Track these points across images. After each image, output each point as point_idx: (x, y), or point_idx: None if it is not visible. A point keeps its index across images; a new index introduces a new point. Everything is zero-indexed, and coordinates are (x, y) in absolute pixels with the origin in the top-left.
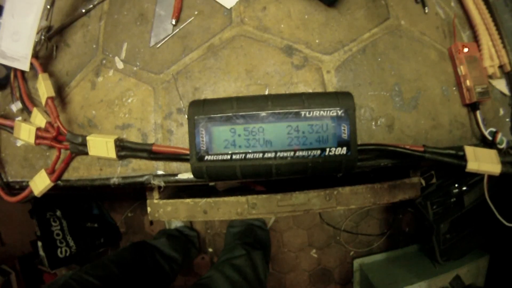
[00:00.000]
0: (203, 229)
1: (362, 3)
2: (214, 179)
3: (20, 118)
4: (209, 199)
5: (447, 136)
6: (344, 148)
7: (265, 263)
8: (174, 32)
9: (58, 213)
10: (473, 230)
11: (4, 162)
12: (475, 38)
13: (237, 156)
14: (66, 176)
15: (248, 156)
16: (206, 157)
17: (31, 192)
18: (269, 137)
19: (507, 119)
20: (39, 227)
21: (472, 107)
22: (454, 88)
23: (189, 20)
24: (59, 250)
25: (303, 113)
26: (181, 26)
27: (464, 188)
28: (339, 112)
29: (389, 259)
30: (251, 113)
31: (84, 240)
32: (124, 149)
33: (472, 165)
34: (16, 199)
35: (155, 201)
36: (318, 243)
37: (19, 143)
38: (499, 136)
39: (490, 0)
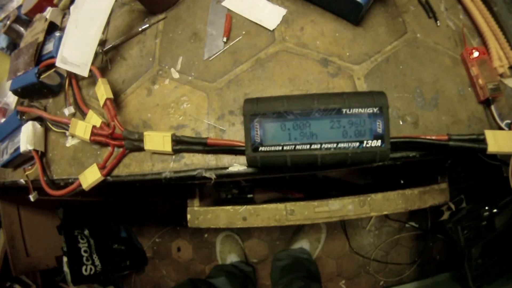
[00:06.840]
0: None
1: (382, 21)
2: (266, 169)
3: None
4: (249, 206)
5: (466, 130)
6: (379, 141)
7: None
8: (225, 48)
9: (86, 232)
10: (505, 253)
11: (51, 161)
12: (484, 44)
13: (288, 147)
14: (116, 172)
15: (297, 147)
16: (260, 148)
17: (79, 185)
18: (315, 131)
19: None
20: (66, 243)
21: (487, 103)
22: (469, 89)
23: (238, 38)
24: (84, 268)
25: (344, 110)
26: (231, 43)
27: (495, 210)
28: (375, 110)
29: None
30: (299, 110)
31: (110, 260)
32: (180, 143)
33: (492, 148)
34: (62, 192)
35: (196, 208)
36: (347, 273)
37: (68, 144)
38: None
39: (494, 9)
